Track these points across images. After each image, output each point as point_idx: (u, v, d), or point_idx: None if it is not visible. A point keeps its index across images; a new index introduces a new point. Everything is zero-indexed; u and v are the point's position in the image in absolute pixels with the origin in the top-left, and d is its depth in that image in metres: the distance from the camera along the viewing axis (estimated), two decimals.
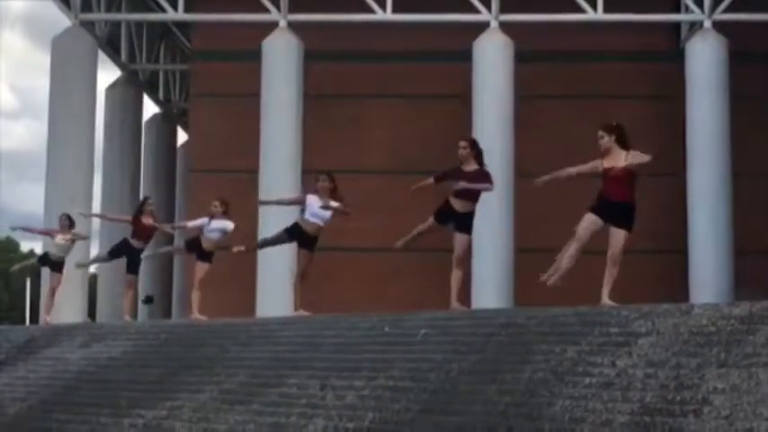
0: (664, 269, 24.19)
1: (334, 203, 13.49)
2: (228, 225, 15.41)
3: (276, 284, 22.15)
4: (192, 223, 16.06)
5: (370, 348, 9.68)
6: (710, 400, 6.57)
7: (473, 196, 12.07)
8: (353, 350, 9.80)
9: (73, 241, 17.73)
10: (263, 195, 22.77)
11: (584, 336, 8.10)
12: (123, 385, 11.13)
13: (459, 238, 12.15)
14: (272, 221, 22.58)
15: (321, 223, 13.66)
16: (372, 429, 8.15)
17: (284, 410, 9.07)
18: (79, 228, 18.33)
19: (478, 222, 24.30)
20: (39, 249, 23.90)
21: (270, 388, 9.66)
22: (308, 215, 13.61)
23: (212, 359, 11.00)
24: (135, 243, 16.55)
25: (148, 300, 31.14)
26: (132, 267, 16.71)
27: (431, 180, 12.20)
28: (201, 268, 15.64)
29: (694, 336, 7.44)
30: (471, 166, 12.03)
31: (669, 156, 24.69)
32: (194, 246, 15.70)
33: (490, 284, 22.62)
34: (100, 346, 12.83)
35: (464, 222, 12.13)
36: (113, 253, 17.09)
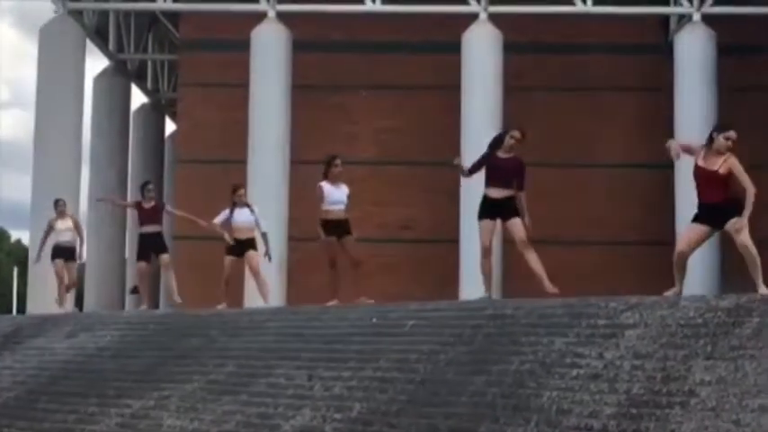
0: (651, 261, 24.22)
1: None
2: (257, 218, 15.35)
3: (264, 275, 22.08)
4: (218, 221, 15.38)
5: (358, 339, 9.69)
6: (697, 391, 6.59)
7: (509, 183, 11.50)
8: (341, 341, 9.81)
9: (74, 228, 17.46)
10: (250, 196, 22.74)
11: (572, 327, 8.12)
12: (110, 375, 11.12)
13: (514, 224, 11.45)
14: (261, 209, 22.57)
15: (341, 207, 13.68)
16: (360, 420, 8.16)
17: (272, 401, 9.07)
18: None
19: (465, 214, 24.27)
20: (26, 239, 23.70)
21: (257, 378, 9.66)
22: (328, 205, 13.59)
23: (200, 349, 10.99)
24: (141, 229, 16.25)
25: (136, 290, 31.08)
26: (142, 254, 16.29)
27: (467, 174, 11.86)
28: (253, 257, 15.39)
29: (681, 328, 7.47)
30: (508, 154, 11.66)
31: (657, 148, 24.75)
32: (237, 248, 15.31)
33: (478, 276, 22.62)
34: (87, 336, 12.81)
35: (509, 208, 11.48)
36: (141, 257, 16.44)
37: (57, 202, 17.65)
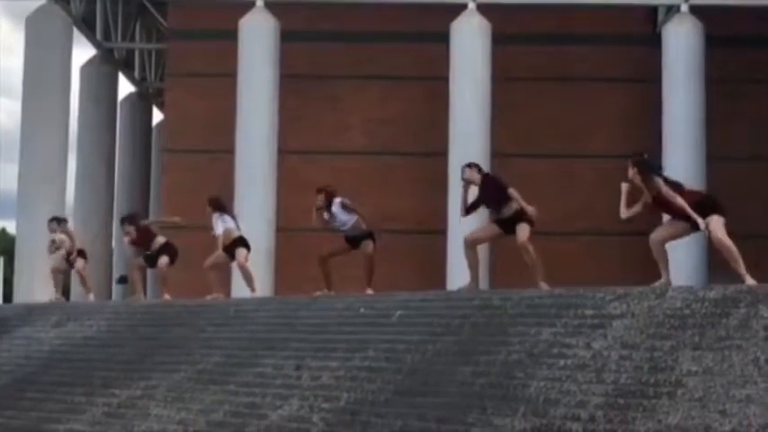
0: (638, 252, 24.24)
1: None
2: (227, 225, 15.36)
3: (251, 265, 22.05)
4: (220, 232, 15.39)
5: (346, 329, 9.69)
6: (684, 382, 6.61)
7: (498, 206, 12.31)
8: (329, 331, 9.81)
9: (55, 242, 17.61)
10: (238, 186, 22.80)
11: (560, 318, 8.14)
12: (98, 365, 11.10)
13: (520, 228, 12.16)
14: (247, 203, 22.56)
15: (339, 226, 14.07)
16: (347, 410, 8.16)
17: (259, 391, 9.07)
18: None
19: (453, 204, 24.20)
20: (12, 228, 23.52)
21: (245, 368, 9.66)
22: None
23: (187, 339, 10.98)
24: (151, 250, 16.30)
25: (122, 280, 31.03)
26: (149, 260, 16.25)
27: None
28: (241, 252, 15.45)
29: (669, 318, 7.49)
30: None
31: (645, 139, 24.79)
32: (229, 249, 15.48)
33: (465, 267, 22.70)
34: (74, 326, 12.78)
35: (514, 221, 12.20)
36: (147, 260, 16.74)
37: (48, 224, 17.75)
